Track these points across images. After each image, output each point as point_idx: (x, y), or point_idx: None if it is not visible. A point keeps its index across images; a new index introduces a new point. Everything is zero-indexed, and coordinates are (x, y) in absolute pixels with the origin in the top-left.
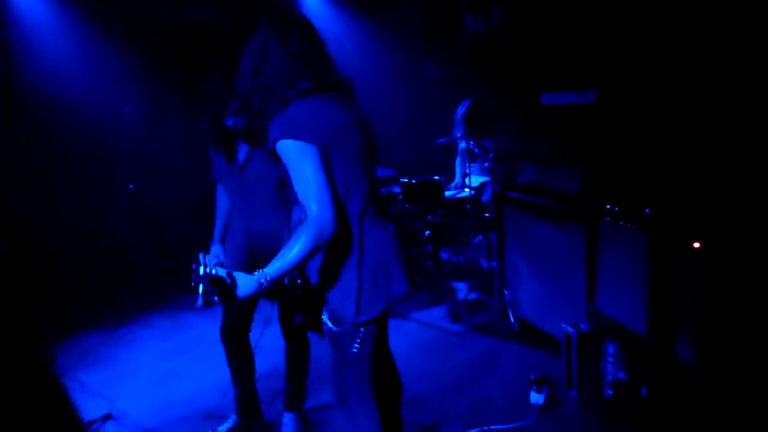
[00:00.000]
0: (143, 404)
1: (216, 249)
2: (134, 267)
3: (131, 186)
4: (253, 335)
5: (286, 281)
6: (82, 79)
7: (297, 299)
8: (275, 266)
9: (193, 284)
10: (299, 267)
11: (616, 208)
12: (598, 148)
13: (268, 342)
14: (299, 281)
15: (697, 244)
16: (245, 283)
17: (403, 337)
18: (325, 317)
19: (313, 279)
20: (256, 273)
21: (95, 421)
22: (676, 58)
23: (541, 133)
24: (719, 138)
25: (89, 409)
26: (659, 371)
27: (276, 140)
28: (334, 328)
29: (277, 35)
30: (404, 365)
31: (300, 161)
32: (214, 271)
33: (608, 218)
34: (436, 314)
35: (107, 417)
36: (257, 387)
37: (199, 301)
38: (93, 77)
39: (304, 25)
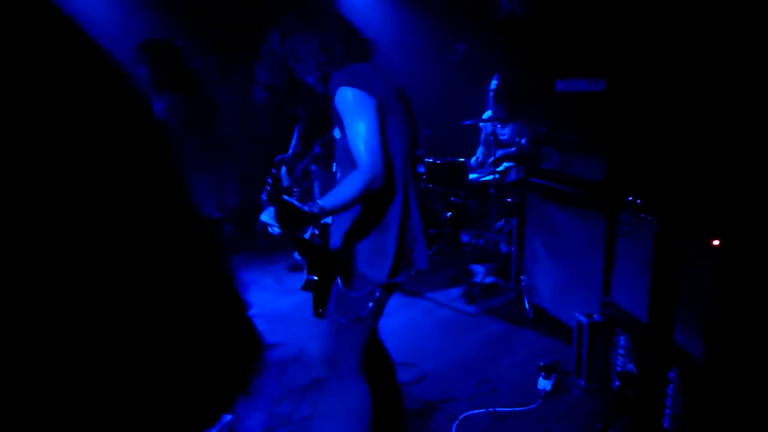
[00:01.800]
0: None
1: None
2: None
3: None
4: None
5: (307, 234)
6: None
7: (314, 254)
8: (329, 199)
9: (266, 198)
10: (346, 209)
11: (638, 200)
12: (622, 137)
13: (287, 312)
14: (318, 232)
15: (716, 242)
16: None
17: (418, 315)
18: (338, 279)
19: (344, 236)
20: (307, 204)
21: None
22: (702, 46)
23: (567, 119)
24: (739, 134)
25: None
26: (658, 361)
27: (337, 87)
28: (347, 290)
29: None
30: (416, 342)
31: (357, 110)
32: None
33: (629, 209)
34: (452, 295)
35: None
36: (271, 355)
37: (258, 226)
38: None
39: (345, 23)
